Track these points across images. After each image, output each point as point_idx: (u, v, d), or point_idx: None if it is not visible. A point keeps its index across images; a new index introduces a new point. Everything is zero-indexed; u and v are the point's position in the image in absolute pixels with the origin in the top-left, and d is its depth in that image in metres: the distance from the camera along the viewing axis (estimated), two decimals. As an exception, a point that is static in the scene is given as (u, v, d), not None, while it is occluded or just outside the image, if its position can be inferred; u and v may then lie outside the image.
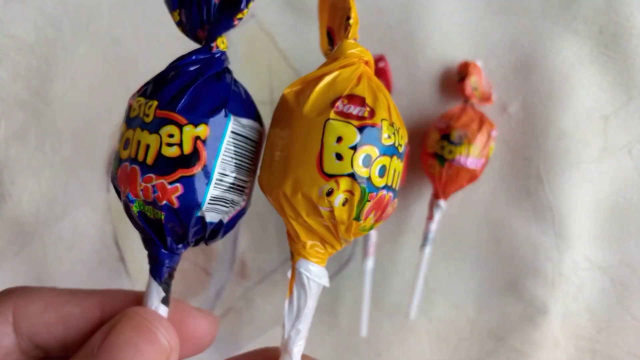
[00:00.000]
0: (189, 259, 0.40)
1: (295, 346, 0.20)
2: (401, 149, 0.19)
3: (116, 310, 0.19)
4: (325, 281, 0.20)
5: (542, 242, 0.39)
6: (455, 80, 0.38)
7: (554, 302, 0.39)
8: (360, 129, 0.18)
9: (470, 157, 0.36)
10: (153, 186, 0.17)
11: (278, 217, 0.40)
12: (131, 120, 0.18)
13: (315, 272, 0.20)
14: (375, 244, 0.38)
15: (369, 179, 0.18)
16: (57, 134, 0.39)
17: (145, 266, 0.41)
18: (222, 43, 0.20)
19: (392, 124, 0.19)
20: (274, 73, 0.40)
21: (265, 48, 0.39)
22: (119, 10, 0.39)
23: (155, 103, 0.18)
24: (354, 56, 0.20)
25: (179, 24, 0.20)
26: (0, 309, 0.18)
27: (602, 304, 0.39)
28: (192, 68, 0.19)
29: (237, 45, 0.39)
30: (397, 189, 0.20)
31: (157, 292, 0.20)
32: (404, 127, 0.20)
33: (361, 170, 0.18)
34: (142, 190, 0.18)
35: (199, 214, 0.18)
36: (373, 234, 0.38)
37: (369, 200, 0.18)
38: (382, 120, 0.18)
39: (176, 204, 0.18)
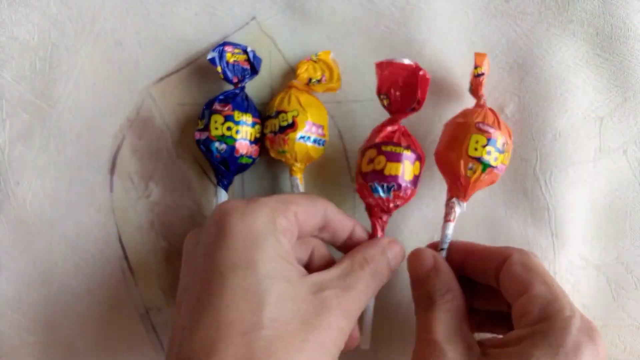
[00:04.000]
0: (191, 258, 0.41)
1: None
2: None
3: (358, 231, 0.35)
4: None
5: (539, 242, 0.39)
6: (472, 74, 0.37)
7: (550, 301, 0.39)
8: None
9: (502, 162, 0.36)
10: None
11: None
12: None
13: None
14: None
15: None
16: (61, 135, 0.40)
17: (148, 266, 0.42)
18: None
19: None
20: (274, 74, 0.40)
21: (266, 50, 0.40)
22: (122, 13, 0.40)
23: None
24: None
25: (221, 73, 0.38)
26: (320, 203, 0.33)
27: (598, 302, 0.40)
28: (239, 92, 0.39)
29: (238, 48, 0.40)
30: None
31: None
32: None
33: None
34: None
35: None
36: None
37: None
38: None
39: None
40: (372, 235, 0.36)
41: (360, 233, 0.35)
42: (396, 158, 0.35)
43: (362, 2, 0.39)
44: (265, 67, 0.40)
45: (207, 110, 0.37)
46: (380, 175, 0.35)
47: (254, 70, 0.39)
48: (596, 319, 0.40)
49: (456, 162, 0.35)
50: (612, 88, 0.39)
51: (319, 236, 0.34)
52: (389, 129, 0.36)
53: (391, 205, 0.35)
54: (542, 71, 0.39)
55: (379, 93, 0.36)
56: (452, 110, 0.39)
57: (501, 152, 0.35)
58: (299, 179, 0.38)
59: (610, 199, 0.39)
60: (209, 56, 0.37)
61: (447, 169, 0.36)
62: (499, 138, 0.35)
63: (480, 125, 0.35)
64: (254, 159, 0.38)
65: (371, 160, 0.35)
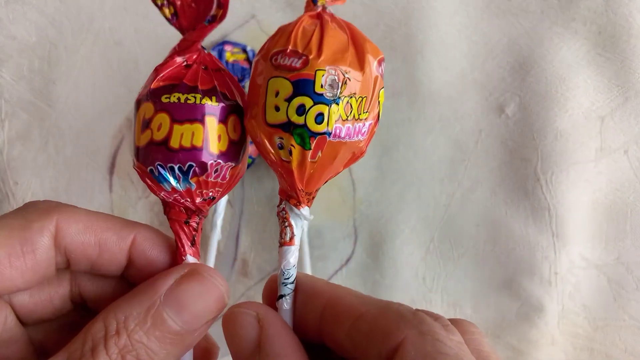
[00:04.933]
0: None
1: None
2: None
3: (144, 246, 0.21)
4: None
5: (540, 241, 0.39)
6: None
7: (550, 301, 0.39)
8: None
9: (352, 120, 0.20)
10: None
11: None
12: None
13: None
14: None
15: None
16: (60, 135, 0.40)
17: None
18: None
19: None
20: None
21: (265, 48, 0.40)
22: (120, 12, 0.39)
23: None
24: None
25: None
26: (44, 223, 0.19)
27: (599, 302, 0.40)
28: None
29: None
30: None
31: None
32: None
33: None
34: None
35: None
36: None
37: None
38: None
39: None
40: (176, 257, 0.21)
41: (151, 252, 0.21)
42: (191, 114, 0.20)
43: (362, 0, 0.39)
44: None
45: None
46: (163, 151, 0.19)
47: None
48: (597, 319, 0.40)
49: (258, 137, 0.20)
50: (614, 88, 0.38)
51: (73, 269, 0.21)
52: (178, 60, 0.21)
53: (198, 200, 0.21)
54: (543, 70, 0.38)
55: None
56: (452, 112, 0.39)
57: (331, 100, 0.19)
58: None
59: (611, 198, 0.39)
60: None
61: (259, 150, 0.21)
62: (322, 73, 0.19)
63: (279, 58, 0.19)
64: (253, 159, 0.38)
65: (146, 124, 0.20)
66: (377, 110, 0.20)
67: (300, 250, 0.36)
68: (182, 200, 0.20)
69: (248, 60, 0.38)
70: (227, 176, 0.21)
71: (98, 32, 0.39)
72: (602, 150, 0.39)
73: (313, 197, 0.21)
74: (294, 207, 0.21)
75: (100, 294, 0.22)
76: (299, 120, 0.19)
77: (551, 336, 0.40)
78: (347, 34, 0.20)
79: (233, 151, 0.21)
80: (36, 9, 0.39)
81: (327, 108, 0.19)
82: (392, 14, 0.39)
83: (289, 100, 0.19)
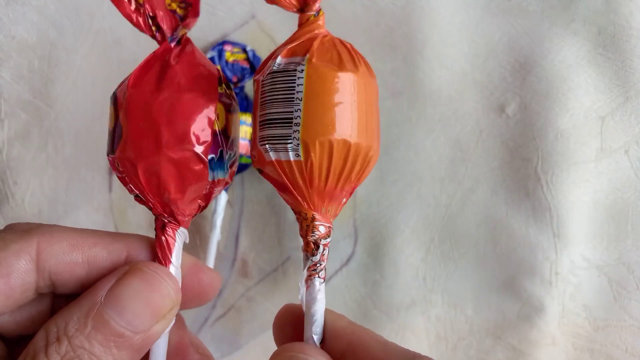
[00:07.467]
0: (190, 258, 0.41)
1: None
2: None
3: (143, 257, 0.20)
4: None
5: (540, 242, 0.39)
6: None
7: (551, 301, 0.39)
8: None
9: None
10: None
11: (278, 217, 0.40)
12: None
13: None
14: None
15: None
16: (59, 134, 0.40)
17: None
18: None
19: None
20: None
21: (265, 49, 0.40)
22: (120, 12, 0.39)
23: None
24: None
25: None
26: (23, 246, 0.18)
27: (600, 303, 0.40)
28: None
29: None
30: None
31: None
32: None
33: None
34: None
35: None
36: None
37: None
38: None
39: None
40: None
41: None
42: None
43: (362, 0, 0.39)
44: (265, 66, 0.40)
45: None
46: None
47: (254, 70, 0.39)
48: (598, 320, 0.40)
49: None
50: (614, 87, 0.38)
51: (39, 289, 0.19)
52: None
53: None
54: (543, 70, 0.38)
55: None
56: (452, 111, 0.39)
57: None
58: None
59: (612, 199, 0.39)
60: (208, 55, 0.37)
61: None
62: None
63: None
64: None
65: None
66: None
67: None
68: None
69: (248, 60, 0.38)
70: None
71: (98, 31, 0.39)
72: (603, 150, 0.39)
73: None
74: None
75: None
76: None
77: (552, 336, 0.40)
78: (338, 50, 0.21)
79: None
80: (36, 9, 0.39)
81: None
82: (392, 14, 0.39)
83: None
